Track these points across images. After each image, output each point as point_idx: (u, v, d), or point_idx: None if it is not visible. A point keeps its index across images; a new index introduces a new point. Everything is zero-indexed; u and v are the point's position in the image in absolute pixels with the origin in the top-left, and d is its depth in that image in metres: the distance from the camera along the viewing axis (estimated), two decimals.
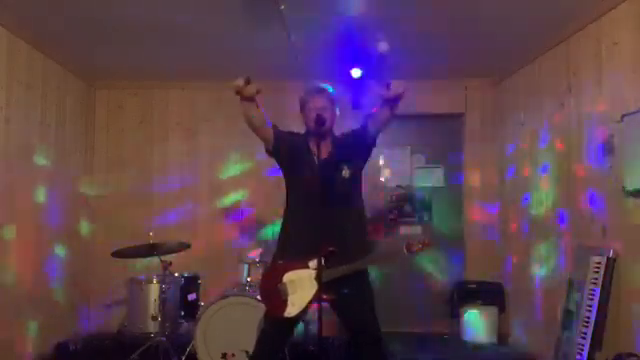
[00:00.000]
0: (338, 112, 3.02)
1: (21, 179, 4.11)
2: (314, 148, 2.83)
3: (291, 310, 2.75)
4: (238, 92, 2.73)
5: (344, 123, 3.15)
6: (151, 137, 5.53)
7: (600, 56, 3.51)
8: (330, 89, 3.01)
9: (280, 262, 2.89)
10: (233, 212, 5.41)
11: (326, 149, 2.93)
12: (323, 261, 2.64)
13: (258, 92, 2.77)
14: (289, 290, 2.77)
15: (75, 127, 5.07)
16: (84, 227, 5.26)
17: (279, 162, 3.04)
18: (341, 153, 2.96)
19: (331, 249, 2.68)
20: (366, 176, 3.13)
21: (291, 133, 3.07)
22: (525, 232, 4.69)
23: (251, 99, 2.79)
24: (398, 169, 5.64)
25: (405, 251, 2.78)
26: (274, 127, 2.99)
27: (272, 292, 2.81)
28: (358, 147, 2.99)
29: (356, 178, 2.98)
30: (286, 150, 2.98)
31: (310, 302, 2.71)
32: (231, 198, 5.46)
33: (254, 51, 4.49)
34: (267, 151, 3.02)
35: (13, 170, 3.98)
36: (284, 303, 2.76)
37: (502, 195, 5.28)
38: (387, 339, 3.06)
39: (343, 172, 2.90)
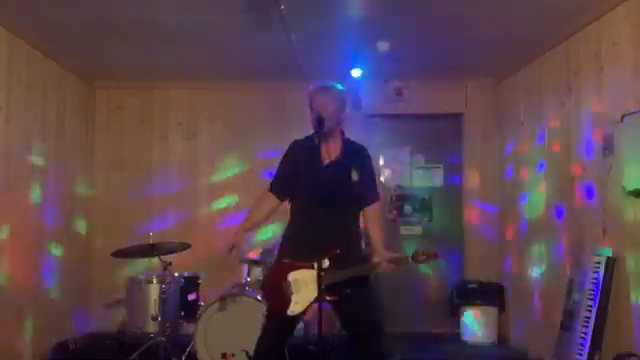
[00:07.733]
0: (347, 110, 2.97)
1: (21, 179, 4.11)
2: (321, 148, 2.83)
3: (294, 308, 2.76)
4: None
5: (344, 123, 3.13)
6: (151, 137, 5.53)
7: (600, 56, 3.51)
8: (337, 87, 2.97)
9: (285, 261, 2.88)
10: (233, 211, 5.40)
11: (334, 150, 2.90)
12: (328, 262, 2.64)
13: (235, 246, 2.97)
14: (293, 289, 2.77)
15: (75, 127, 5.06)
16: (84, 227, 5.25)
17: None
18: (352, 157, 2.94)
19: (337, 251, 2.68)
20: None
21: (299, 144, 3.01)
22: (525, 232, 4.69)
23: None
24: (397, 169, 5.64)
25: (411, 261, 2.79)
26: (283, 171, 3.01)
27: (276, 290, 2.80)
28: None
29: (365, 182, 2.93)
30: (295, 164, 2.96)
31: (313, 302, 2.71)
32: (231, 198, 5.46)
33: (254, 51, 4.49)
34: None
35: (13, 170, 3.98)
36: (287, 301, 2.76)
37: (502, 195, 5.28)
38: (387, 339, 3.06)
39: (352, 175, 2.87)
